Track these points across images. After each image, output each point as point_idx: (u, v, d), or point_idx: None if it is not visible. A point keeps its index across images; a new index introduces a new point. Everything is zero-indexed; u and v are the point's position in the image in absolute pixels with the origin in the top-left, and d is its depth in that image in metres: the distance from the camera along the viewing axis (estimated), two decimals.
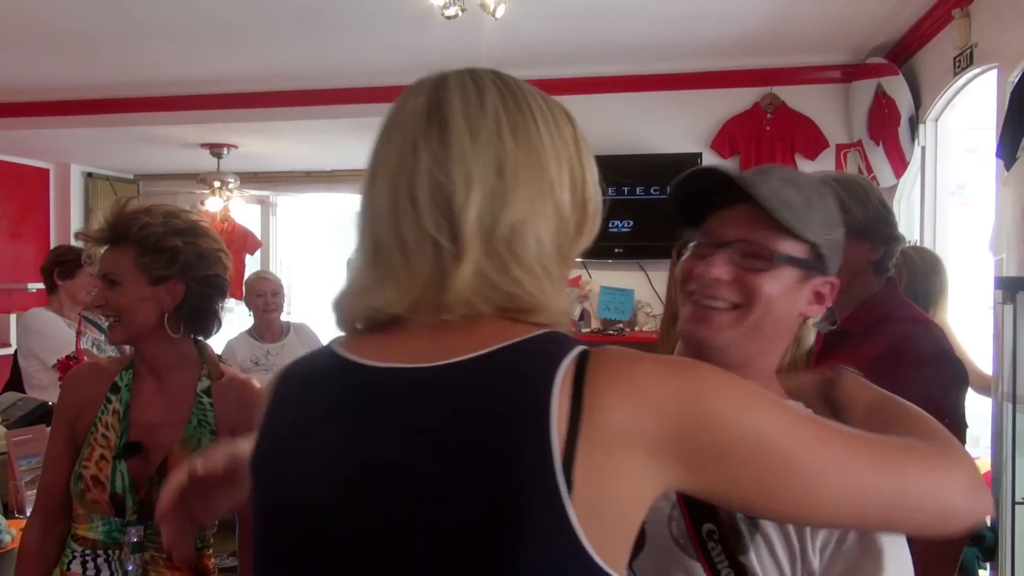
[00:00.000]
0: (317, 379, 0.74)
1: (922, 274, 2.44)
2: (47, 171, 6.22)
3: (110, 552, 1.50)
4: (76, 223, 6.26)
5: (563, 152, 0.72)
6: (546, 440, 0.60)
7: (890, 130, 3.66)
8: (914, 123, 3.55)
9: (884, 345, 1.55)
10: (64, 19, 3.48)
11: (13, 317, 3.58)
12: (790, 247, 0.88)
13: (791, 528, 0.82)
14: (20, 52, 3.95)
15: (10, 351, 3.52)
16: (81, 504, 1.49)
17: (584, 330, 4.03)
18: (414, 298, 0.68)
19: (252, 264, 6.11)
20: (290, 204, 6.82)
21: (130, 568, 1.51)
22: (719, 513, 0.85)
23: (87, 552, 1.49)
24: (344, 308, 0.74)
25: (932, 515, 0.69)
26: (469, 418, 0.63)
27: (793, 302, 0.91)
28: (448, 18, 2.71)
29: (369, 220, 0.72)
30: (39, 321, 3.29)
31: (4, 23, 3.50)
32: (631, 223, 4.04)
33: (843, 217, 1.59)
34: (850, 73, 3.94)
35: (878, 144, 3.76)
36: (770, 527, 0.84)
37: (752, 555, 0.83)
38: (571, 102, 3.37)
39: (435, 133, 0.69)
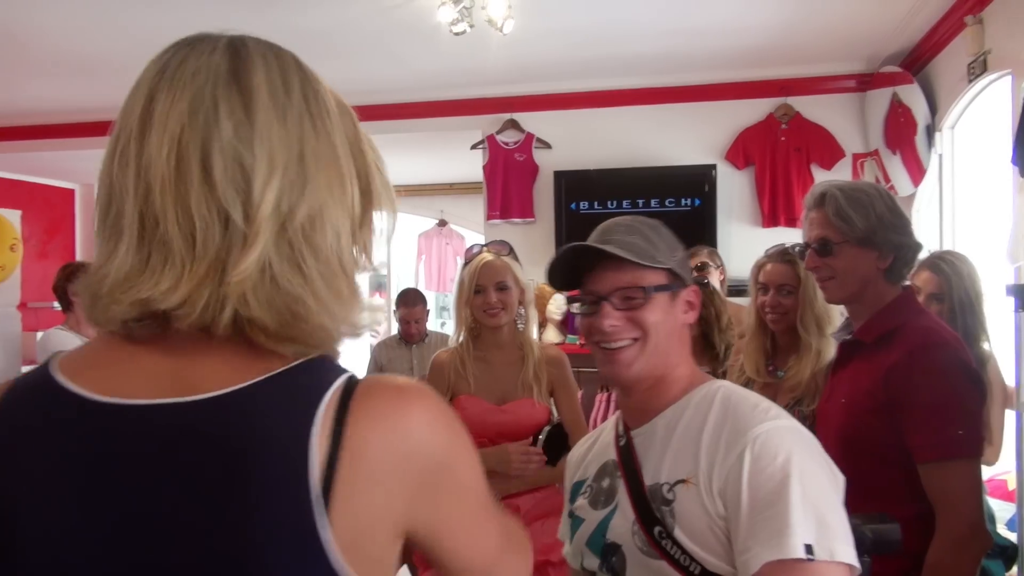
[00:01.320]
0: (44, 430, 0.61)
1: (966, 276, 2.40)
2: (73, 191, 6.35)
3: None
4: None
5: (359, 146, 0.69)
6: (300, 478, 0.57)
7: (907, 139, 3.63)
8: (931, 131, 3.53)
9: (898, 355, 1.53)
10: (88, 47, 3.58)
11: (40, 335, 3.65)
12: (652, 278, 1.09)
13: (692, 494, 1.01)
14: (47, 78, 4.07)
15: None
16: None
17: None
18: (193, 287, 0.58)
19: None
20: None
21: None
22: (660, 515, 1.04)
23: None
24: (103, 303, 0.61)
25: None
26: (221, 461, 0.58)
27: (673, 317, 1.12)
28: (456, 35, 2.74)
29: (136, 186, 0.60)
30: (55, 342, 3.35)
31: (33, 51, 3.61)
32: None
33: (843, 228, 1.59)
34: (865, 82, 3.93)
35: (895, 153, 3.74)
36: (679, 504, 1.02)
37: (678, 530, 1.02)
38: (582, 116, 3.42)
39: (238, 101, 0.61)
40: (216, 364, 0.60)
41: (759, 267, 2.24)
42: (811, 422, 2.13)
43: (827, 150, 3.96)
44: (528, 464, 2.04)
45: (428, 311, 4.08)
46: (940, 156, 3.50)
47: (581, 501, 1.20)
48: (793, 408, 2.14)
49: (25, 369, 4.22)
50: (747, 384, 2.28)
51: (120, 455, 0.59)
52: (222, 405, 0.58)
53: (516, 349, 2.20)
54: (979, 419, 1.53)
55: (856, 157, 3.97)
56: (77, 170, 5.90)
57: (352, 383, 0.61)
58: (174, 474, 0.58)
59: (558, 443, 2.15)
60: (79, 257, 6.10)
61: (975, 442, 1.50)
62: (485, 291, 2.12)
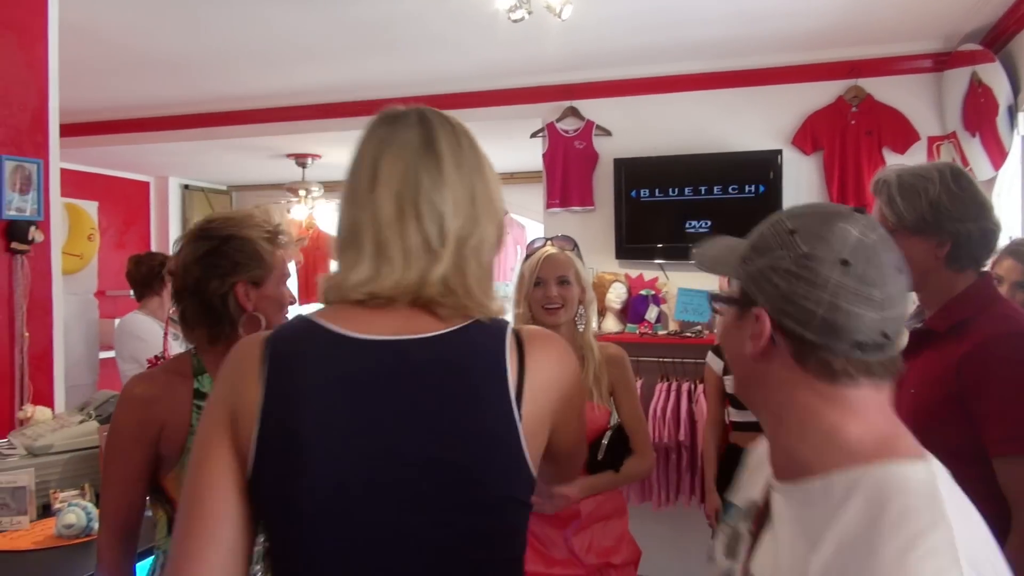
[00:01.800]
0: (319, 353, 0.90)
1: None
2: (147, 184, 6.60)
3: None
4: (174, 232, 6.61)
5: (499, 190, 1.01)
6: (505, 388, 0.89)
7: (987, 120, 3.45)
8: (1013, 112, 3.34)
9: (972, 344, 1.46)
10: (160, 46, 3.69)
11: (118, 321, 3.81)
12: (728, 286, 0.98)
13: None
14: (124, 76, 4.21)
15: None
16: None
17: (661, 332, 3.96)
18: (406, 286, 0.92)
19: None
20: None
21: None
22: None
23: None
24: (343, 291, 0.93)
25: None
26: (452, 373, 0.90)
27: (738, 344, 0.86)
28: (515, 22, 2.72)
29: (371, 222, 0.93)
30: (135, 326, 3.49)
31: (110, 50, 3.75)
32: (709, 223, 3.96)
33: (893, 217, 1.53)
34: (942, 61, 3.75)
35: (974, 135, 3.56)
36: None
37: None
38: (643, 102, 3.36)
39: (433, 164, 0.94)
40: (425, 320, 0.92)
41: None
42: None
43: (900, 133, 3.80)
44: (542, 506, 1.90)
45: None
46: (1023, 138, 3.32)
47: (721, 535, 0.97)
48: None
49: (103, 355, 4.41)
50: None
51: (382, 371, 0.89)
52: (446, 338, 0.91)
53: (575, 351, 2.13)
54: None
55: (932, 140, 3.80)
56: (152, 163, 6.13)
57: (516, 330, 0.95)
58: (428, 380, 0.89)
59: (619, 447, 2.11)
60: (154, 247, 6.34)
61: None
62: (546, 284, 2.07)
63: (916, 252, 1.53)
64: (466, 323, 0.92)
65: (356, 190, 0.94)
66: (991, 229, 1.57)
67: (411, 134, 0.95)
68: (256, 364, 0.89)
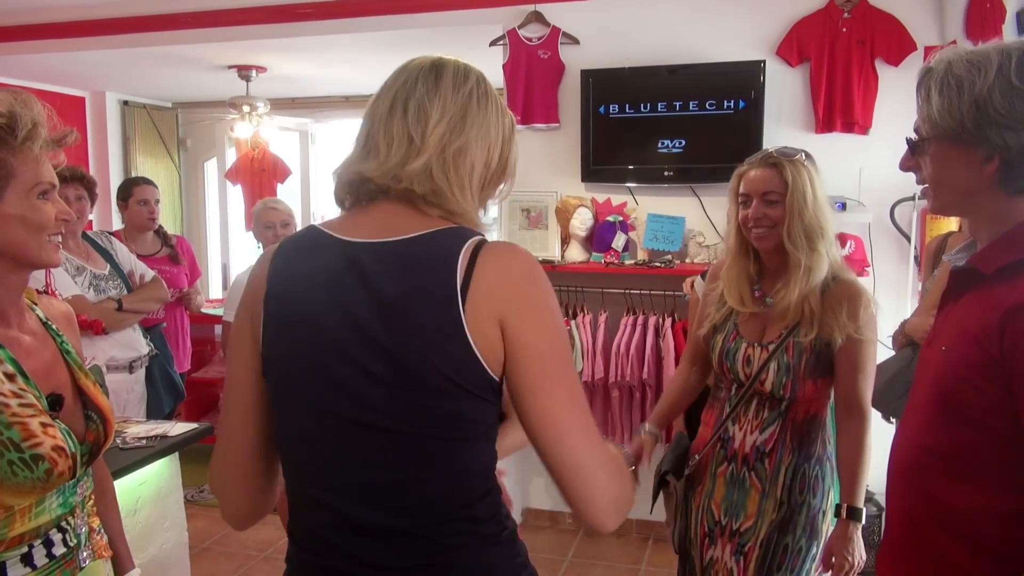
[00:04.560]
0: (306, 251, 1.10)
1: None
2: (83, 99, 6.07)
3: (64, 522, 1.29)
4: (115, 153, 6.14)
5: (501, 131, 1.12)
6: (453, 285, 1.00)
7: (992, 27, 3.13)
8: (1022, 18, 3.02)
9: (1022, 294, 1.14)
10: None
11: None
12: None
13: None
14: None
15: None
16: (35, 490, 1.22)
17: (628, 262, 3.67)
18: (386, 170, 1.05)
19: (289, 196, 5.88)
20: (329, 133, 6.54)
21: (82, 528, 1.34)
22: None
23: (33, 543, 1.25)
24: (340, 174, 1.11)
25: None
26: (412, 273, 1.02)
27: None
28: None
29: (369, 120, 1.09)
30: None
31: None
32: (683, 142, 3.61)
33: (927, 125, 1.20)
34: None
35: (976, 44, 3.22)
36: None
37: None
38: (614, 6, 2.92)
39: (431, 78, 1.07)
40: (402, 222, 1.06)
41: (739, 176, 1.96)
42: (809, 354, 1.84)
43: (895, 42, 3.44)
44: None
45: None
46: None
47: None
48: (788, 338, 1.86)
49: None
50: (730, 316, 1.97)
51: (356, 266, 1.04)
52: (416, 240, 1.04)
53: None
54: None
55: (928, 50, 3.44)
56: (86, 76, 5.60)
57: (483, 241, 1.04)
58: (391, 273, 1.03)
59: None
60: (92, 170, 5.86)
61: None
62: None
63: (956, 169, 1.18)
64: (439, 228, 1.04)
65: (370, 103, 1.11)
66: None
67: (424, 61, 1.09)
68: (267, 263, 1.11)
